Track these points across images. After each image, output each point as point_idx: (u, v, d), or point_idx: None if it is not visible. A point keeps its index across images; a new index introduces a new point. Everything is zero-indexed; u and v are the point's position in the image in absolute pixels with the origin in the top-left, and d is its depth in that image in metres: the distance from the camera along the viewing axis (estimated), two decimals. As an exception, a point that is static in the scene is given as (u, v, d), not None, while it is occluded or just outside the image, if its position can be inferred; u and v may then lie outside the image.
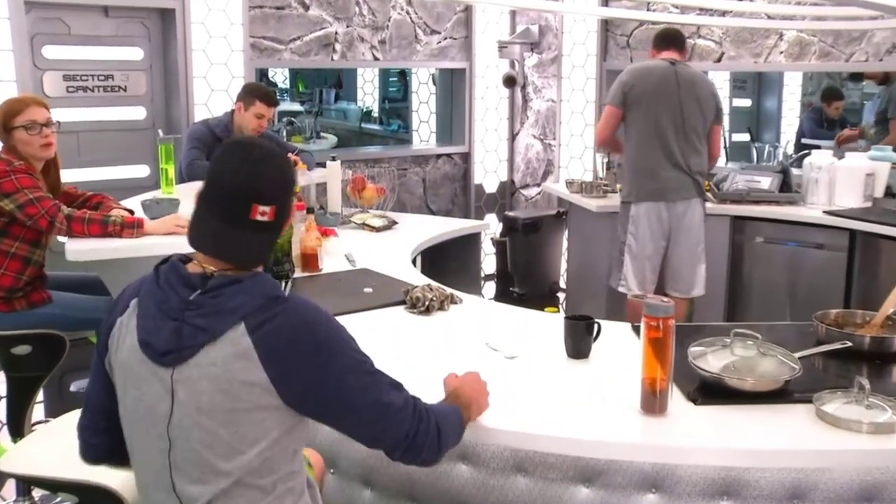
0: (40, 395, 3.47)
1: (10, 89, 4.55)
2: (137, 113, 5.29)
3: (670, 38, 4.27)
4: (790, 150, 5.99)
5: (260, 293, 1.54)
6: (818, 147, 5.17)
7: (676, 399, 1.91)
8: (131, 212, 3.22)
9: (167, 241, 2.96)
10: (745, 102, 7.09)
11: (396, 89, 10.43)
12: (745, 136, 6.07)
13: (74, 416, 2.38)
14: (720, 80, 6.83)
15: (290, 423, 1.56)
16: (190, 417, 1.52)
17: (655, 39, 4.33)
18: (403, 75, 10.22)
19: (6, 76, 4.59)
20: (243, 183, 1.57)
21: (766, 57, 5.24)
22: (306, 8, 5.69)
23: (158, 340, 1.53)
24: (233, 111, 4.58)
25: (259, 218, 1.55)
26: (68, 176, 3.60)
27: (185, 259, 1.61)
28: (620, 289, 4.22)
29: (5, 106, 3.17)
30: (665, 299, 1.86)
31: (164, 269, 1.61)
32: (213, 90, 5.30)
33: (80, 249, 2.88)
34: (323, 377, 1.52)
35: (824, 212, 4.45)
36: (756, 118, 6.98)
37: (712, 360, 2.01)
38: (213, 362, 1.50)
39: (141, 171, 5.29)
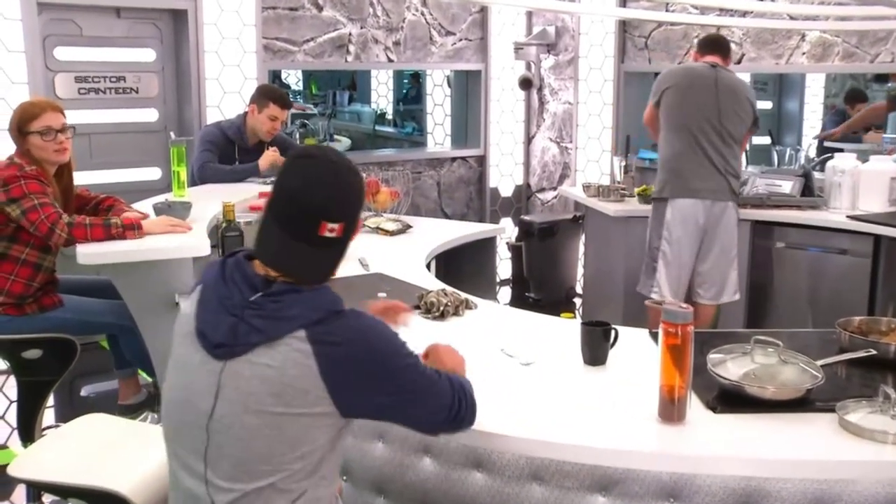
0: (51, 400, 3.50)
1: (22, 91, 4.60)
2: (149, 115, 5.33)
3: (714, 43, 4.36)
4: (812, 153, 5.95)
5: (320, 306, 1.57)
6: (841, 150, 5.14)
7: (695, 407, 1.90)
8: (145, 216, 3.24)
9: (175, 244, 2.98)
10: (766, 104, 7.05)
11: (406, 91, 10.46)
12: (766, 139, 6.02)
13: (85, 420, 2.40)
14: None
15: (335, 432, 1.60)
16: (234, 416, 1.55)
17: (699, 43, 4.43)
18: (416, 77, 10.25)
19: (18, 78, 4.63)
20: (314, 199, 1.59)
21: (788, 58, 5.22)
22: (320, 9, 5.71)
23: (214, 333, 1.57)
24: (246, 113, 4.60)
25: (327, 234, 1.58)
26: (80, 178, 3.62)
27: (250, 256, 1.64)
28: (653, 295, 4.21)
29: (21, 109, 3.20)
30: (684, 305, 1.85)
31: (229, 263, 1.64)
32: (226, 92, 5.33)
33: (90, 253, 2.90)
34: (380, 386, 1.58)
35: (848, 216, 4.42)
36: (777, 121, 6.94)
37: (732, 367, 2.00)
38: (268, 364, 1.53)
39: (153, 173, 5.32)
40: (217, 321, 1.58)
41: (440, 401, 1.68)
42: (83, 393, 4.44)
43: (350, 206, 1.63)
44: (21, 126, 3.15)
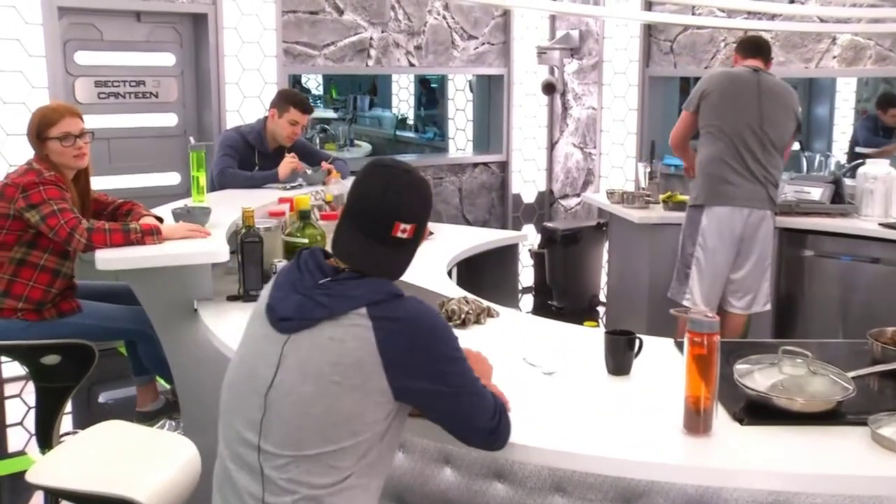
0: (69, 407, 3.52)
1: (42, 96, 4.65)
2: (169, 119, 5.37)
3: (755, 47, 4.30)
4: (843, 159, 5.91)
5: (382, 289, 1.72)
6: (870, 156, 5.09)
7: (721, 419, 1.89)
8: (161, 220, 3.26)
9: (194, 249, 2.99)
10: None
11: (419, 98, 10.48)
12: (795, 145, 5.98)
13: (103, 427, 2.42)
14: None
15: (386, 416, 1.68)
16: (292, 383, 1.66)
17: (740, 47, 4.38)
18: (427, 84, 10.27)
19: (38, 82, 4.68)
20: (389, 202, 1.75)
21: (818, 62, 5.18)
22: (340, 13, 5.74)
23: (282, 308, 1.73)
24: (266, 118, 4.63)
25: (400, 235, 1.74)
26: (99, 183, 3.65)
27: (327, 253, 1.81)
28: (685, 302, 4.19)
29: (39, 114, 3.23)
30: (710, 314, 1.84)
31: (305, 253, 1.81)
32: (246, 97, 5.37)
33: (109, 258, 2.92)
34: (429, 369, 1.68)
35: (880, 224, 4.38)
36: (806, 126, 6.89)
37: (759, 378, 1.98)
38: (330, 336, 1.66)
39: (172, 178, 5.37)
40: (286, 298, 1.73)
41: (482, 409, 1.74)
42: (101, 399, 4.48)
43: (421, 210, 1.79)
44: (40, 132, 3.18)
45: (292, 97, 4.62)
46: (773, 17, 5.13)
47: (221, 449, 1.81)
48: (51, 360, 3.22)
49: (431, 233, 4.01)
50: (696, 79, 7.49)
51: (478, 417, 1.74)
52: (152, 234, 2.99)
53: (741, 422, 1.90)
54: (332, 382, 1.64)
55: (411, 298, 1.74)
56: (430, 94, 10.58)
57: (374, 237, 1.74)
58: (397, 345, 1.65)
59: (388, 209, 1.74)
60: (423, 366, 1.68)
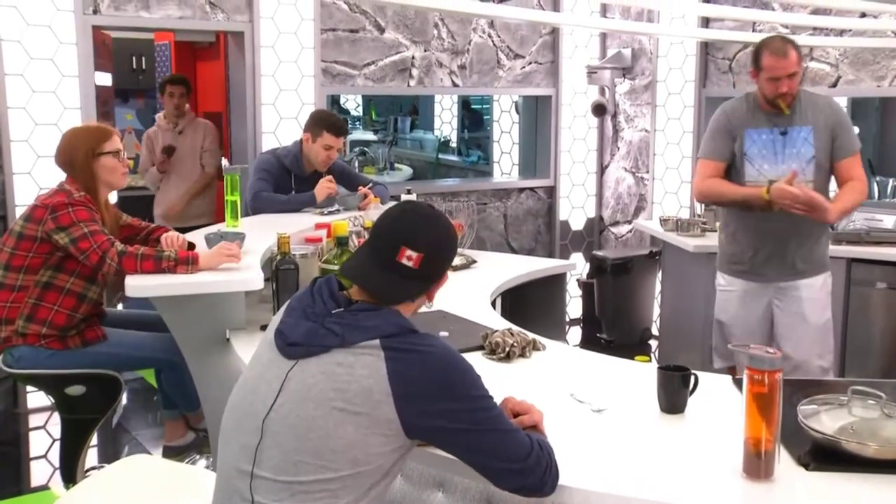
0: (95, 439, 3.56)
1: (74, 116, 4.76)
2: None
3: None
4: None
5: (397, 322, 1.75)
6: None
7: (784, 463, 1.85)
8: (193, 246, 3.30)
9: (227, 277, 3.00)
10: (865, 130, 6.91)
11: (463, 118, 10.52)
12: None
13: (129, 462, 2.44)
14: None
15: (392, 450, 1.69)
16: (293, 406, 1.68)
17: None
18: (467, 106, 10.31)
19: (71, 103, 4.79)
20: (399, 227, 1.83)
21: (893, 80, 5.11)
22: (381, 31, 5.80)
23: (291, 333, 1.76)
24: (302, 141, 4.67)
25: (404, 262, 1.78)
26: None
27: (342, 284, 1.86)
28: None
29: (92, 131, 3.34)
30: (771, 350, 1.81)
31: (321, 281, 1.86)
32: (282, 118, 5.44)
33: (138, 285, 2.95)
34: (445, 407, 1.69)
35: (958, 255, 4.29)
36: (878, 149, 6.79)
37: (826, 420, 1.94)
38: (339, 363, 1.68)
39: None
40: (297, 324, 1.77)
41: (514, 448, 1.72)
42: (114, 420, 4.51)
43: (432, 246, 1.82)
44: (95, 147, 3.26)
45: (325, 120, 4.60)
46: (841, 32, 5.07)
47: (216, 479, 1.84)
48: (76, 390, 3.26)
49: (475, 261, 4.01)
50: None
51: (505, 459, 1.71)
52: (187, 264, 3.00)
53: (807, 467, 1.86)
54: (335, 408, 1.66)
55: (427, 335, 1.77)
56: (473, 116, 10.64)
57: (379, 259, 1.80)
58: (410, 377, 1.67)
59: (397, 233, 1.81)
60: (437, 404, 1.68)
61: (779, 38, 3.55)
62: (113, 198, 3.84)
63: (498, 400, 1.89)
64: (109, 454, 4.21)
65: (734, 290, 3.72)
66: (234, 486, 1.74)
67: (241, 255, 3.12)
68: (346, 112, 11.42)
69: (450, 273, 3.89)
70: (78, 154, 3.26)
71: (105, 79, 5.76)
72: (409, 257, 1.78)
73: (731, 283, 3.73)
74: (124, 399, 3.87)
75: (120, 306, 4.68)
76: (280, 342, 1.77)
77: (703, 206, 5.22)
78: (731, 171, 3.59)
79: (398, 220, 1.84)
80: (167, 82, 5.61)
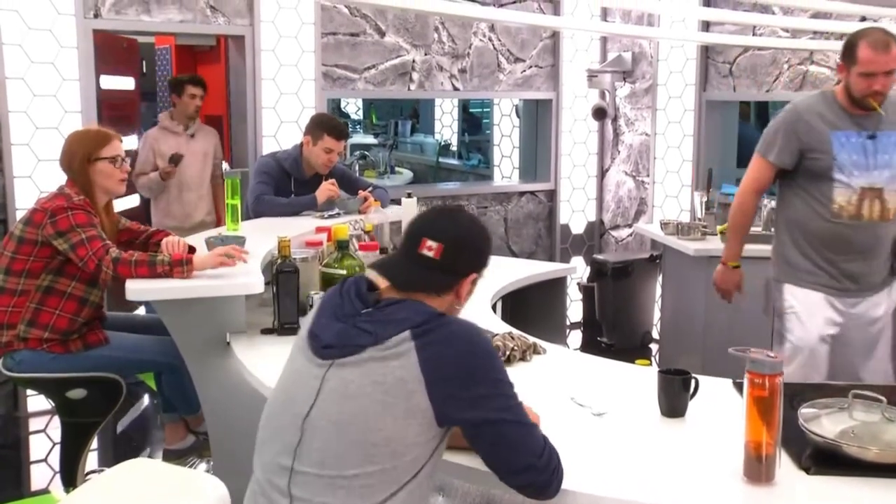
0: (95, 443, 3.56)
1: (74, 120, 4.76)
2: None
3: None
4: None
5: (424, 310, 1.79)
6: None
7: (785, 467, 1.85)
8: (193, 249, 3.29)
9: (227, 280, 2.99)
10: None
11: (462, 125, 10.53)
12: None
13: (129, 466, 2.44)
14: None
15: (427, 440, 1.72)
16: (332, 404, 1.72)
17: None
18: (466, 110, 10.32)
19: (71, 106, 4.80)
20: (424, 221, 1.91)
21: (892, 85, 5.11)
22: (382, 34, 5.81)
23: (325, 335, 1.81)
24: (302, 144, 4.66)
25: (425, 252, 1.83)
26: (126, 203, 3.71)
27: (371, 284, 1.90)
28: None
29: (91, 135, 3.32)
30: (772, 354, 1.81)
31: (349, 281, 1.91)
32: (283, 121, 5.44)
33: (139, 289, 2.95)
34: (473, 392, 1.72)
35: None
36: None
37: (827, 423, 1.94)
38: (374, 358, 1.72)
39: (133, 200, 5.49)
40: (328, 326, 1.82)
41: (529, 443, 1.75)
42: (119, 429, 4.52)
43: (453, 233, 1.86)
44: (92, 152, 3.25)
45: (325, 123, 4.60)
46: (841, 36, 5.07)
47: (252, 483, 1.85)
48: (77, 394, 3.26)
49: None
50: (758, 103, 7.47)
51: (523, 452, 1.74)
52: (181, 266, 2.99)
53: (808, 471, 1.86)
54: (374, 401, 1.69)
55: (456, 318, 1.82)
56: (471, 119, 10.64)
57: (403, 251, 1.88)
58: (438, 361, 1.71)
59: (420, 225, 1.89)
60: (465, 383, 1.71)
61: (880, 31, 3.20)
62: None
63: None
64: (109, 458, 4.21)
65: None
66: (273, 482, 1.77)
67: (239, 256, 3.06)
68: (347, 116, 11.43)
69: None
70: (75, 158, 3.26)
71: (128, 83, 5.72)
72: (429, 248, 1.83)
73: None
74: (146, 401, 3.85)
75: (142, 309, 4.63)
76: (314, 345, 1.81)
77: (703, 209, 5.22)
78: (806, 176, 3.27)
79: (423, 216, 1.94)
80: (188, 83, 5.25)
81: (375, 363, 1.71)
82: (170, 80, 5.40)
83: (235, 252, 3.04)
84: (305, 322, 1.91)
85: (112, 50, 5.41)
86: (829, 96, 3.27)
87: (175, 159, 5.07)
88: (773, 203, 5.02)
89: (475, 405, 1.71)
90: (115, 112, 5.38)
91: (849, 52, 3.16)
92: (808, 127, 3.22)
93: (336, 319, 1.82)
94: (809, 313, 3.31)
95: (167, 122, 5.25)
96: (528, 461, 1.73)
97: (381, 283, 1.87)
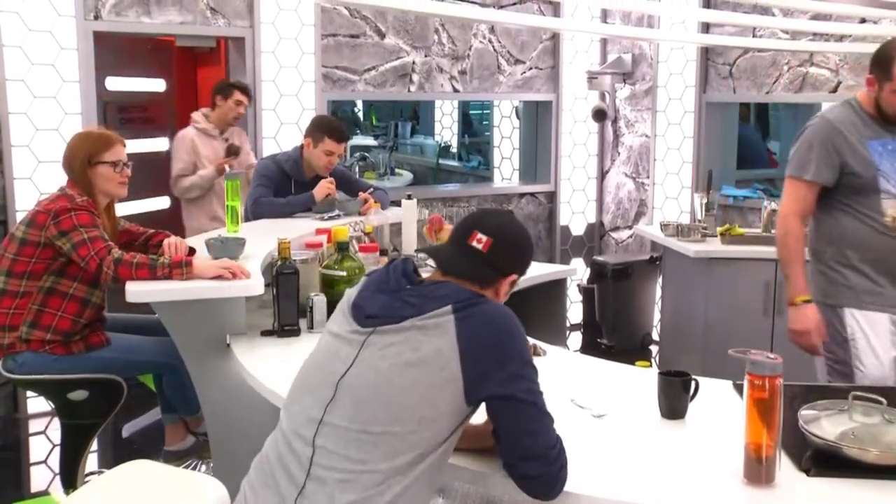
0: (95, 445, 3.56)
1: (74, 122, 4.76)
2: (161, 144, 5.49)
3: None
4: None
5: (467, 291, 1.85)
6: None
7: (785, 468, 1.85)
8: (193, 250, 3.29)
9: (227, 283, 2.97)
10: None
11: (461, 127, 10.53)
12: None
13: (129, 467, 2.44)
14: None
15: (454, 414, 1.75)
16: (368, 364, 1.78)
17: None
18: (466, 112, 10.33)
19: (71, 108, 4.80)
20: (476, 216, 1.99)
21: (889, 87, 5.11)
22: (382, 36, 5.81)
23: (369, 305, 1.87)
24: (302, 146, 4.66)
25: (475, 244, 1.90)
26: (126, 209, 3.70)
27: (416, 269, 1.97)
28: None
29: (92, 139, 3.31)
30: (772, 355, 1.80)
31: (397, 261, 1.97)
32: (283, 123, 5.44)
33: (139, 290, 2.95)
34: (502, 370, 1.76)
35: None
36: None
37: (827, 425, 1.94)
38: (415, 327, 1.78)
39: (163, 202, 5.48)
40: (372, 297, 1.89)
41: (546, 436, 1.78)
42: (124, 433, 4.52)
43: (502, 229, 1.94)
44: (92, 155, 3.25)
45: (326, 125, 4.59)
46: (841, 38, 5.08)
47: (276, 433, 1.90)
48: (78, 395, 3.26)
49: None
50: (758, 105, 7.47)
51: (540, 440, 1.77)
52: (181, 268, 2.99)
53: (808, 472, 1.86)
54: (410, 364, 1.75)
55: (495, 302, 1.88)
56: (470, 123, 10.65)
57: (454, 242, 1.95)
58: (474, 337, 1.76)
59: (472, 219, 1.98)
60: (498, 360, 1.76)
61: None
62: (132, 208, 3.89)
63: None
64: (109, 458, 4.21)
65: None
66: (298, 433, 1.81)
67: (240, 275, 3.02)
68: (350, 112, 11.42)
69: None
70: (76, 160, 3.26)
71: (159, 85, 5.68)
72: (479, 240, 1.90)
73: None
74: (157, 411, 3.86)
75: None
76: (357, 314, 1.86)
77: (703, 210, 5.22)
78: (847, 191, 3.04)
79: (477, 212, 2.04)
80: (239, 89, 5.07)
81: (415, 331, 1.77)
82: (217, 83, 5.21)
83: (237, 269, 3.04)
84: (348, 294, 1.95)
85: (138, 51, 5.39)
86: (855, 105, 3.08)
87: (234, 150, 4.98)
88: (773, 204, 5.04)
89: (505, 382, 1.75)
90: (142, 114, 5.39)
91: (883, 67, 2.94)
92: (844, 138, 3.00)
93: (381, 293, 1.88)
94: (878, 337, 3.00)
95: (204, 125, 5.08)
96: (541, 450, 1.76)
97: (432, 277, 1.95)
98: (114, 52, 5.13)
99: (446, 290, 1.83)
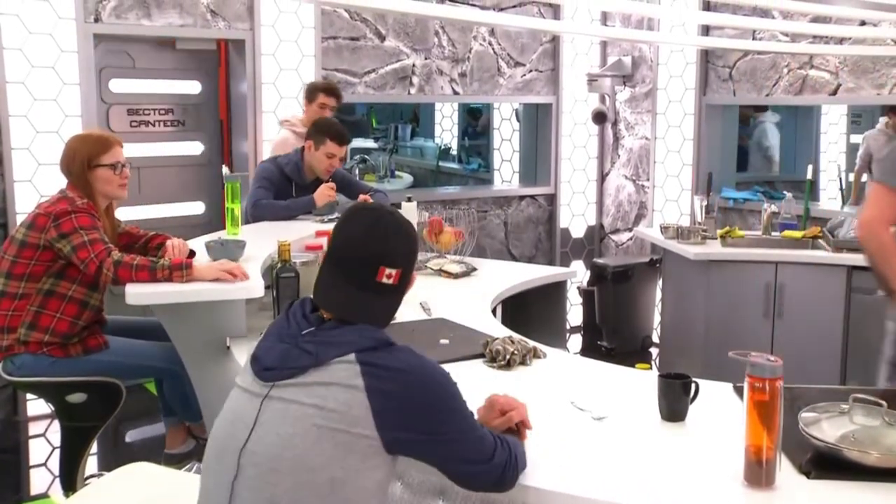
0: (94, 447, 3.56)
1: (75, 124, 4.76)
2: (194, 148, 5.47)
3: None
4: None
5: (373, 336, 1.72)
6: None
7: (786, 471, 1.85)
8: (193, 252, 3.29)
9: (227, 284, 2.98)
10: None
11: (466, 127, 10.52)
12: (865, 177, 5.91)
13: (129, 470, 2.43)
14: (835, 115, 6.69)
15: (373, 466, 1.65)
16: (270, 428, 1.66)
17: None
18: (471, 113, 10.32)
19: (72, 111, 4.80)
20: (373, 246, 1.76)
21: (892, 88, 5.11)
22: (382, 39, 5.81)
23: (266, 357, 1.74)
24: (303, 149, 4.66)
25: (385, 281, 1.75)
26: (129, 213, 3.70)
27: (315, 305, 1.81)
28: None
29: (92, 141, 3.31)
30: (772, 358, 1.80)
31: (296, 304, 1.83)
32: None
33: (139, 293, 2.95)
34: (423, 421, 1.67)
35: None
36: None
37: (828, 428, 1.94)
38: (316, 381, 1.66)
39: (197, 207, 5.45)
40: (272, 348, 1.75)
41: (481, 450, 1.74)
42: (128, 439, 4.52)
43: (407, 254, 1.81)
44: (92, 158, 3.25)
45: (328, 128, 4.58)
46: (840, 40, 5.08)
47: None
48: (77, 398, 3.25)
49: (475, 268, 4.01)
50: (757, 107, 7.48)
51: (473, 460, 1.73)
52: (181, 270, 2.99)
53: (808, 475, 1.86)
54: (314, 425, 1.63)
55: (404, 347, 1.73)
56: (473, 115, 10.62)
57: (358, 283, 1.76)
58: (388, 394, 1.64)
59: (373, 253, 1.76)
60: (414, 418, 1.66)
61: None
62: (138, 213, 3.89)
63: (481, 399, 1.92)
64: (109, 461, 4.20)
65: None
66: None
67: (241, 277, 3.03)
68: (351, 112, 11.40)
69: (450, 281, 3.91)
70: (74, 162, 3.26)
71: (193, 87, 5.57)
72: (388, 276, 1.76)
73: None
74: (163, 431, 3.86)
75: None
76: (256, 367, 1.74)
77: (703, 213, 5.21)
78: None
79: (370, 237, 1.77)
80: (322, 90, 4.96)
81: (318, 387, 1.64)
82: (306, 85, 5.07)
83: (237, 271, 3.04)
84: (252, 347, 1.83)
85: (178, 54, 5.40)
86: None
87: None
88: (773, 207, 5.05)
89: (425, 433, 1.68)
90: (185, 116, 5.39)
91: None
92: None
93: (280, 341, 1.74)
94: None
95: (300, 129, 4.94)
96: (476, 468, 1.74)
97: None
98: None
99: (349, 336, 1.69)
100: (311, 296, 1.82)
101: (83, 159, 3.25)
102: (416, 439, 1.67)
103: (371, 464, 1.65)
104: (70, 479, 3.34)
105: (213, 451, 1.78)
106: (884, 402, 1.95)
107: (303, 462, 1.62)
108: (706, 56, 6.03)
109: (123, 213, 3.54)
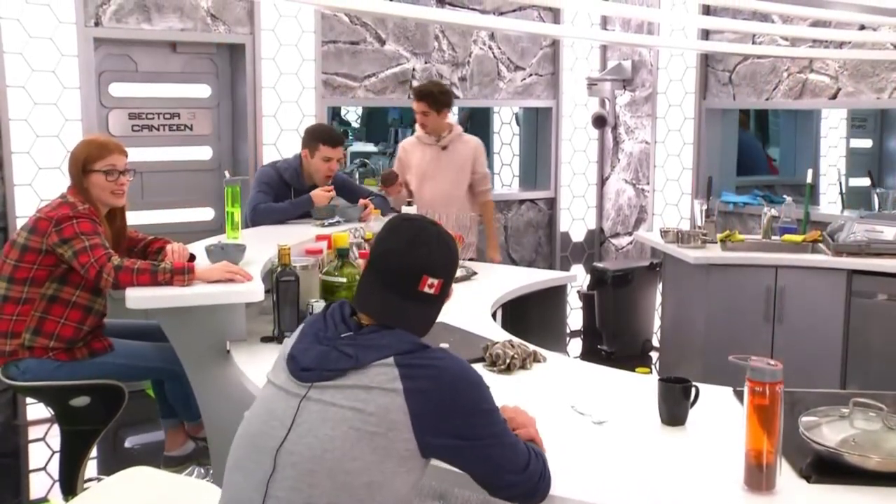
0: (94, 451, 3.55)
1: (75, 129, 4.76)
2: (203, 153, 5.46)
3: None
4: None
5: (409, 340, 1.75)
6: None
7: (786, 475, 1.85)
8: (193, 256, 3.29)
9: (227, 288, 3.00)
10: (866, 143, 6.93)
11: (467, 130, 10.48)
12: (865, 181, 5.90)
13: (128, 474, 2.43)
14: (835, 119, 6.69)
15: (407, 471, 1.67)
16: (308, 429, 1.67)
17: None
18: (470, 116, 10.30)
19: (72, 115, 4.80)
20: (416, 256, 1.82)
21: (892, 92, 5.12)
22: (382, 43, 5.81)
23: (304, 358, 1.76)
24: (302, 155, 4.65)
25: (427, 290, 1.80)
26: (131, 218, 3.69)
27: (353, 308, 1.86)
28: None
29: (89, 148, 3.30)
30: (772, 362, 1.80)
31: (334, 305, 1.87)
32: (283, 129, 5.44)
33: (139, 297, 2.95)
34: (459, 423, 1.69)
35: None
36: (878, 160, 6.80)
37: (828, 432, 1.94)
38: (355, 384, 1.68)
39: (206, 213, 5.45)
40: (309, 349, 1.77)
41: (515, 460, 1.74)
42: (127, 444, 4.52)
43: (448, 265, 1.87)
44: (87, 162, 3.25)
45: (318, 133, 4.60)
46: (840, 44, 5.08)
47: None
48: (80, 401, 3.25)
49: (475, 273, 4.01)
50: (757, 111, 7.48)
51: (507, 469, 1.73)
52: (182, 274, 2.99)
53: (808, 479, 1.86)
54: (353, 427, 1.65)
55: (439, 350, 1.79)
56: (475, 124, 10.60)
57: (400, 292, 1.80)
58: (425, 394, 1.67)
59: (416, 262, 1.81)
60: (450, 420, 1.69)
61: None
62: (140, 218, 3.87)
63: None
64: (109, 466, 4.20)
65: None
66: None
67: (243, 278, 3.04)
68: (347, 124, 11.43)
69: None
70: (73, 166, 3.27)
71: (203, 91, 5.49)
72: (430, 285, 1.80)
73: None
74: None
75: None
76: (293, 367, 1.76)
77: (703, 217, 5.21)
78: None
79: (414, 248, 1.82)
80: (414, 94, 4.89)
81: (357, 390, 1.67)
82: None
83: (240, 272, 3.05)
84: (287, 343, 1.86)
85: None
86: None
87: (388, 180, 4.74)
88: (773, 211, 5.05)
89: (460, 436, 1.69)
90: (192, 121, 5.39)
91: None
92: None
93: (318, 342, 1.77)
94: None
95: (421, 132, 4.92)
96: (511, 478, 1.74)
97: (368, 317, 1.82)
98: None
99: (387, 339, 1.73)
100: (349, 301, 1.87)
101: (80, 163, 3.25)
102: (449, 443, 1.69)
103: (406, 467, 1.67)
104: (70, 482, 3.34)
105: (244, 448, 1.78)
106: (884, 406, 1.95)
107: (341, 465, 1.63)
108: (706, 60, 6.03)
109: (127, 218, 3.52)
